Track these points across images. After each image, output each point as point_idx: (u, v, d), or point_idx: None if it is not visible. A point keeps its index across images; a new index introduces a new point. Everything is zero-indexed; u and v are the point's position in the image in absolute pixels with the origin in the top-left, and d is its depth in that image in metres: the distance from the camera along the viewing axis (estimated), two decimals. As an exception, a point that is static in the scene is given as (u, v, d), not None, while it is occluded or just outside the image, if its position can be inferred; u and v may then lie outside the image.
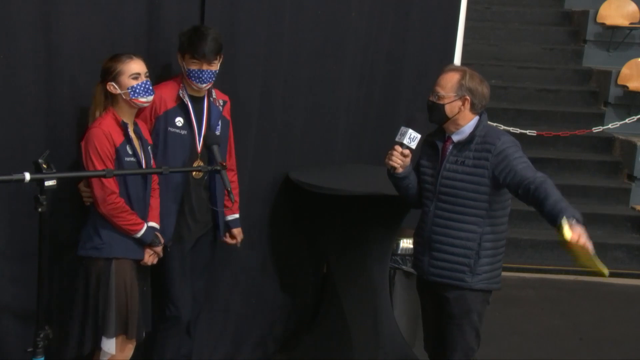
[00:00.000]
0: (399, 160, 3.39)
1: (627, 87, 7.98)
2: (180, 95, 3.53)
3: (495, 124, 6.97)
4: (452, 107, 3.32)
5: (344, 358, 4.22)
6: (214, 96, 3.65)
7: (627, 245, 6.84)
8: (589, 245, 3.02)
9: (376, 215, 4.12)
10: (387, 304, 4.37)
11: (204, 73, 3.48)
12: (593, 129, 7.60)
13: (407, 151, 3.39)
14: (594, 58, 8.61)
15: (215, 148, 3.33)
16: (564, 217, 2.99)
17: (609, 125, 7.71)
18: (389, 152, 3.41)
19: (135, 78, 3.27)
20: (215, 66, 3.53)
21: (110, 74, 3.26)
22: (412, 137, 3.36)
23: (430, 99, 3.38)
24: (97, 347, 3.33)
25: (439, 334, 3.52)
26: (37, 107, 3.37)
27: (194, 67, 3.47)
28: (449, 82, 3.33)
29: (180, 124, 3.54)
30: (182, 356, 3.87)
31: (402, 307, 4.60)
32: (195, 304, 3.88)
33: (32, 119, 3.37)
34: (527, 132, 7.32)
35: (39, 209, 2.75)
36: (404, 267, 4.54)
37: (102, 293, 3.28)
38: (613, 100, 8.04)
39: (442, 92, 3.33)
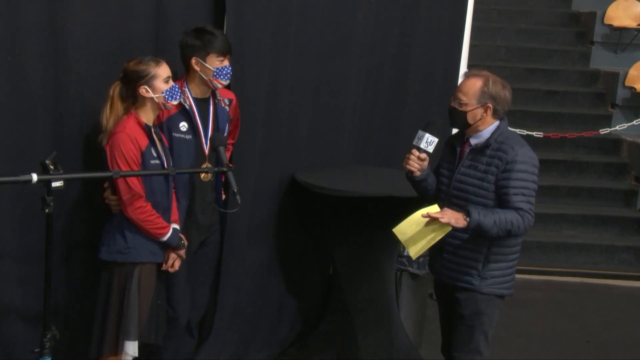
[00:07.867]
0: (415, 164, 3.36)
1: (634, 89, 7.94)
2: (181, 101, 3.51)
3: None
4: (474, 114, 3.27)
5: (350, 359, 4.22)
6: (218, 97, 3.64)
7: (634, 247, 6.81)
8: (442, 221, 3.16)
9: (382, 216, 4.11)
10: (393, 306, 4.37)
11: (226, 69, 3.52)
12: (600, 130, 7.57)
13: (424, 155, 3.35)
14: (601, 59, 8.57)
15: (221, 149, 3.33)
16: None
17: (616, 127, 7.68)
18: (406, 155, 3.38)
19: (167, 81, 3.28)
20: None
21: (143, 77, 3.23)
22: (429, 141, 3.32)
23: (452, 104, 3.32)
24: (110, 351, 3.32)
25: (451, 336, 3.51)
26: (44, 108, 3.37)
27: (219, 64, 3.49)
28: (471, 89, 3.26)
29: (185, 129, 3.53)
30: (182, 357, 3.87)
31: (409, 309, 4.59)
32: (199, 307, 3.89)
33: (39, 119, 3.37)
34: (534, 133, 7.29)
35: (46, 210, 2.76)
36: (410, 268, 4.54)
37: (125, 297, 3.26)
38: (620, 102, 8.00)
39: (464, 99, 3.27)
